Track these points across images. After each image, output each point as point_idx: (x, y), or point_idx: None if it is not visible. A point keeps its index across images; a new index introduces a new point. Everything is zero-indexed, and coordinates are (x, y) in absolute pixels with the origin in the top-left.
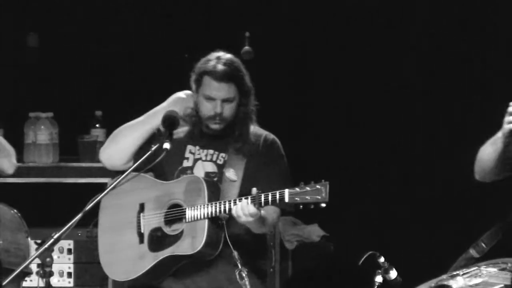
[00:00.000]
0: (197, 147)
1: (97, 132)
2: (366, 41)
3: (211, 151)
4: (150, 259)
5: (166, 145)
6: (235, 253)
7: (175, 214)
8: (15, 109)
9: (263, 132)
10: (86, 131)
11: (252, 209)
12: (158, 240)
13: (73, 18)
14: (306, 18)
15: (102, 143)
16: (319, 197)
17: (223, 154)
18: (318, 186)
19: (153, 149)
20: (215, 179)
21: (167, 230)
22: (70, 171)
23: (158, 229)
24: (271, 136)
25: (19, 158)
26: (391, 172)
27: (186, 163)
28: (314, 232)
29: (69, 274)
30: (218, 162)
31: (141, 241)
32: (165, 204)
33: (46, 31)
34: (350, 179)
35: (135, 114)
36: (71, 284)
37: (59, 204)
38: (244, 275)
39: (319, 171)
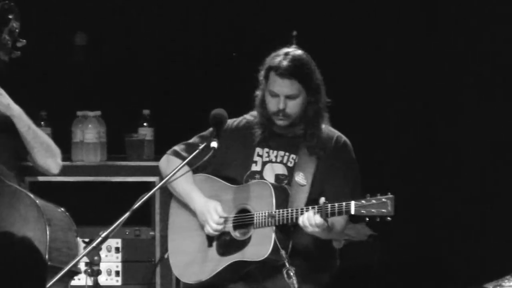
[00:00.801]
0: (266, 149)
1: (145, 130)
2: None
3: (281, 153)
4: (218, 263)
5: (214, 144)
6: (283, 252)
7: (243, 219)
8: (63, 108)
9: (335, 133)
10: (134, 129)
11: (318, 219)
12: (226, 244)
13: (121, 17)
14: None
15: (149, 141)
16: (385, 211)
17: (293, 156)
18: (384, 199)
19: (200, 147)
20: (285, 181)
21: (235, 235)
22: (117, 169)
23: (227, 233)
24: (343, 138)
25: (67, 157)
26: (438, 170)
27: (254, 167)
28: (362, 231)
29: (117, 273)
30: (289, 164)
31: (210, 244)
32: (234, 209)
33: (94, 30)
34: (398, 179)
35: (182, 112)
36: (119, 283)
37: (107, 203)
38: (291, 273)
39: (374, 174)
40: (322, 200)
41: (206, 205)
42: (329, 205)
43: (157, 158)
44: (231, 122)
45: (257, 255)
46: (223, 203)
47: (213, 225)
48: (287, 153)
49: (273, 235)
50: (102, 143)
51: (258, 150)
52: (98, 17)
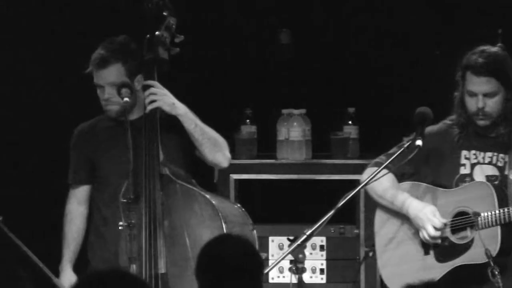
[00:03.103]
0: (473, 151)
1: (350, 129)
2: None
3: (489, 154)
4: (438, 270)
5: (419, 142)
6: (488, 249)
7: (462, 222)
8: (268, 106)
9: None
10: (339, 127)
11: None
12: (445, 250)
13: (322, 13)
14: None
15: (354, 140)
16: None
17: (502, 155)
18: None
19: (405, 146)
20: (496, 182)
21: (455, 239)
22: (322, 167)
23: (445, 238)
24: None
25: (272, 155)
26: None
27: (463, 170)
28: None
29: (322, 271)
30: (499, 164)
31: (426, 252)
32: (450, 213)
33: (299, 27)
34: None
35: (387, 110)
36: (324, 281)
37: (311, 201)
38: (496, 272)
39: None
40: None
41: (423, 210)
42: None
43: (362, 156)
44: (430, 128)
45: (482, 256)
46: (437, 208)
47: (431, 231)
48: (495, 153)
49: (499, 235)
50: (307, 141)
51: (464, 153)
52: (303, 14)
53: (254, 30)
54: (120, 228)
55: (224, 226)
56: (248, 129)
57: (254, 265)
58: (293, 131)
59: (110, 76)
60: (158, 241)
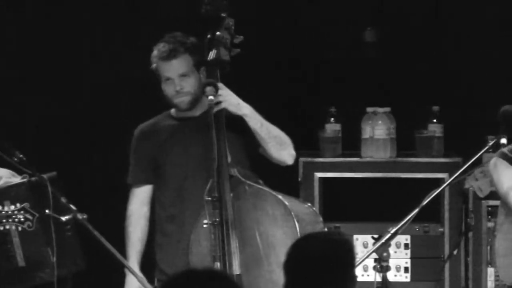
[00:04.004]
0: None
1: (434, 127)
2: None
3: None
4: None
5: (504, 141)
6: None
7: None
8: (353, 104)
9: None
10: (424, 126)
11: None
12: None
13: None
14: None
15: (439, 138)
16: None
17: None
18: None
19: (490, 144)
20: None
21: None
22: (406, 166)
23: None
24: None
25: (356, 153)
26: None
27: None
28: None
29: (406, 269)
30: None
31: None
32: None
33: (383, 26)
34: None
35: (472, 109)
36: (408, 279)
37: (396, 199)
38: None
39: None
40: None
41: None
42: None
43: (446, 155)
44: None
45: None
46: None
47: None
48: None
49: None
50: (391, 139)
51: None
52: (387, 12)
53: (340, 29)
54: (204, 226)
55: (297, 225)
56: (332, 127)
57: (346, 261)
58: (378, 129)
59: (180, 67)
60: (232, 242)
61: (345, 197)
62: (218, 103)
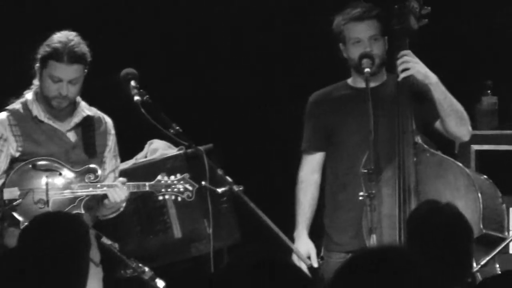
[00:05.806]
0: None
1: None
2: None
3: None
4: None
5: None
6: None
7: None
8: (510, 77)
9: None
10: None
11: None
12: None
13: None
14: None
15: None
16: None
17: None
18: None
19: None
20: None
21: None
22: None
23: None
24: None
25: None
26: None
27: None
28: None
29: None
30: None
31: None
32: None
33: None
34: None
35: None
36: None
37: None
38: None
39: None
40: None
41: None
42: None
43: None
44: None
45: None
46: None
47: None
48: None
49: None
50: None
51: None
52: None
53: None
54: (360, 198)
55: (480, 197)
56: (489, 100)
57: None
58: None
59: (372, 28)
60: (409, 209)
61: (502, 170)
62: (406, 69)
